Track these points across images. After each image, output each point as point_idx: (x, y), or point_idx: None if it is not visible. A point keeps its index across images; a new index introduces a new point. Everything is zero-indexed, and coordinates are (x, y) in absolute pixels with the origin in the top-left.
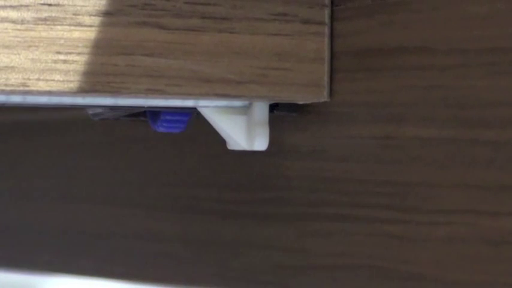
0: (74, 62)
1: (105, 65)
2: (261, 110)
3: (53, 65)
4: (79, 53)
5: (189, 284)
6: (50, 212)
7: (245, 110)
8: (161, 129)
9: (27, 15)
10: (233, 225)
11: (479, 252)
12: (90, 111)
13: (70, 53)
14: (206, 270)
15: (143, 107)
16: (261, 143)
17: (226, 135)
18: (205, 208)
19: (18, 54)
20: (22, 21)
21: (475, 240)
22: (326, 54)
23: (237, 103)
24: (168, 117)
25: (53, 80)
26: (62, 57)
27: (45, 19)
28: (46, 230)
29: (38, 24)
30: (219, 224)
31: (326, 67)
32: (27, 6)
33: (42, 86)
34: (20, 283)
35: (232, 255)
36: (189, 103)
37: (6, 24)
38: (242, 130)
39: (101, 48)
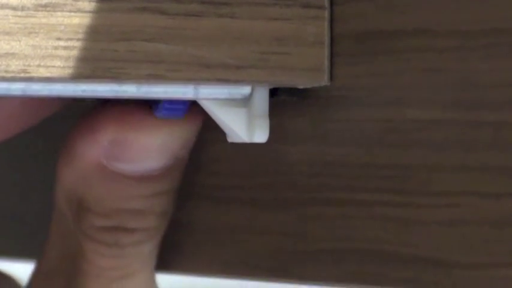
0: (74, 48)
1: (105, 50)
2: (261, 102)
3: (54, 51)
4: (79, 39)
5: (189, 271)
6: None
7: (245, 103)
8: (160, 116)
9: (27, 1)
10: (233, 211)
11: (481, 234)
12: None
13: (70, 39)
14: (206, 257)
15: (142, 99)
16: (261, 135)
17: (226, 127)
18: (205, 194)
19: (19, 40)
20: (22, 8)
21: (477, 222)
22: (326, 38)
23: (237, 95)
24: (166, 105)
25: (54, 66)
26: (62, 43)
27: (45, 5)
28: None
29: (38, 10)
30: (218, 209)
31: (326, 51)
32: None
33: (43, 72)
34: None
35: (231, 241)
36: (189, 95)
37: (6, 11)
38: (242, 122)
39: (101, 34)
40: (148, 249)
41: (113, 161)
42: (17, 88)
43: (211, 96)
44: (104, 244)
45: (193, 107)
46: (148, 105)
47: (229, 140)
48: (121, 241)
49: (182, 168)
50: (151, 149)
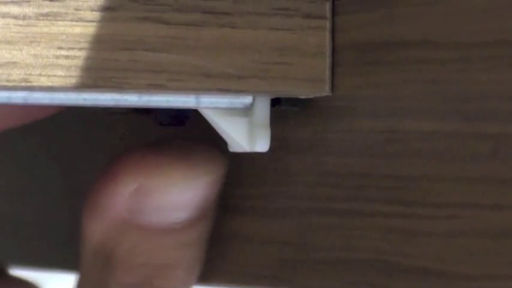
0: (75, 57)
1: (106, 60)
2: (262, 112)
3: (55, 60)
4: (81, 48)
5: None
6: (53, 209)
7: (246, 112)
8: (164, 123)
9: (28, 10)
10: (234, 220)
11: (482, 245)
12: None
13: (72, 49)
14: (207, 265)
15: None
16: (262, 145)
17: (227, 136)
18: None
19: (20, 49)
20: (24, 17)
21: (477, 233)
22: (327, 48)
23: (238, 105)
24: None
25: (55, 76)
26: (63, 52)
27: (46, 14)
28: (49, 225)
29: (40, 19)
30: (220, 219)
31: (328, 61)
32: (28, 1)
33: (44, 81)
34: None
35: (233, 250)
36: (190, 104)
37: (8, 20)
38: (243, 132)
39: (102, 43)
40: None
41: (135, 214)
42: (18, 96)
43: (212, 105)
44: None
45: (216, 153)
46: (150, 113)
47: (230, 149)
48: None
49: (212, 216)
50: (174, 198)
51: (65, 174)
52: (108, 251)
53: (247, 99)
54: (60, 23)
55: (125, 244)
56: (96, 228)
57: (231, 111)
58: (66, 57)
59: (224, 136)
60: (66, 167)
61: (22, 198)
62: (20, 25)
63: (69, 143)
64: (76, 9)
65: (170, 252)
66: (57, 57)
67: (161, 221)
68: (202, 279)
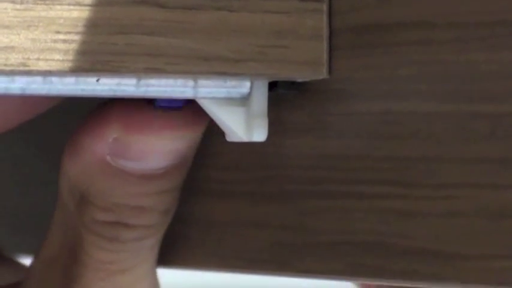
0: (73, 41)
1: (104, 44)
2: (259, 101)
3: (53, 44)
4: (78, 33)
5: (187, 265)
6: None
7: (244, 102)
8: (161, 107)
9: None
10: (231, 205)
11: (480, 225)
12: None
13: (69, 33)
14: (205, 251)
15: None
16: (260, 135)
17: (225, 126)
18: (204, 188)
19: (18, 34)
20: (21, 1)
21: (475, 213)
22: (324, 31)
23: (236, 94)
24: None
25: (53, 60)
26: (61, 36)
27: None
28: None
29: (37, 3)
30: (217, 203)
31: (325, 44)
32: None
33: (42, 65)
34: None
35: (230, 235)
36: (188, 94)
37: (5, 4)
38: (241, 121)
39: (99, 27)
40: (149, 245)
41: (117, 158)
42: (16, 87)
43: (210, 95)
44: (104, 238)
45: (198, 109)
46: (147, 100)
47: (228, 139)
48: (121, 236)
49: (187, 167)
50: (155, 149)
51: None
52: (84, 187)
53: (244, 89)
54: (58, 7)
55: (101, 184)
56: (75, 166)
57: (229, 101)
58: (64, 41)
59: (222, 126)
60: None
61: (20, 191)
62: (18, 9)
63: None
64: None
65: (147, 197)
66: (54, 41)
67: (141, 167)
68: (198, 264)
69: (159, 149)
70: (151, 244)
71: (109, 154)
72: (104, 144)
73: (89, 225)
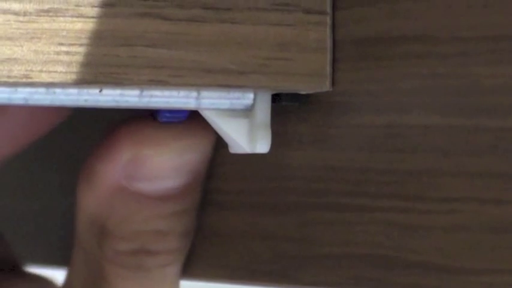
0: (76, 53)
1: (107, 56)
2: (263, 113)
3: (56, 56)
4: (81, 44)
5: (190, 276)
6: (52, 207)
7: (247, 113)
8: (163, 120)
9: (29, 6)
10: (234, 216)
11: (482, 239)
12: None
13: (72, 45)
14: (207, 261)
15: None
16: (263, 146)
17: (228, 138)
18: (207, 200)
19: (21, 46)
20: (24, 13)
21: (478, 228)
22: (328, 43)
23: (239, 106)
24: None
25: (56, 72)
26: (64, 48)
27: (47, 10)
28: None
29: (41, 15)
30: (221, 215)
31: (328, 57)
32: None
33: (45, 77)
34: None
35: (233, 246)
36: (190, 105)
37: (8, 16)
38: (244, 133)
39: (103, 39)
40: (173, 272)
41: (132, 180)
42: (18, 97)
43: (213, 106)
44: (129, 268)
45: (203, 121)
46: (151, 113)
47: (231, 150)
48: (145, 264)
49: (201, 186)
50: (168, 165)
51: (64, 172)
52: (103, 219)
53: (247, 100)
54: (61, 19)
55: (120, 211)
56: (92, 198)
57: (232, 112)
58: (67, 53)
59: (225, 137)
60: (66, 166)
61: (23, 195)
62: (21, 21)
63: (68, 141)
64: (76, 5)
65: (165, 219)
66: (57, 53)
67: (155, 188)
68: (202, 275)
69: (170, 163)
70: (174, 271)
71: (124, 178)
72: (118, 167)
73: (112, 258)
